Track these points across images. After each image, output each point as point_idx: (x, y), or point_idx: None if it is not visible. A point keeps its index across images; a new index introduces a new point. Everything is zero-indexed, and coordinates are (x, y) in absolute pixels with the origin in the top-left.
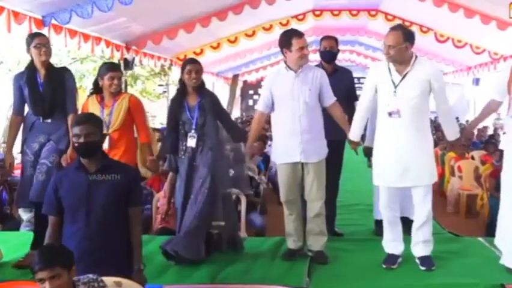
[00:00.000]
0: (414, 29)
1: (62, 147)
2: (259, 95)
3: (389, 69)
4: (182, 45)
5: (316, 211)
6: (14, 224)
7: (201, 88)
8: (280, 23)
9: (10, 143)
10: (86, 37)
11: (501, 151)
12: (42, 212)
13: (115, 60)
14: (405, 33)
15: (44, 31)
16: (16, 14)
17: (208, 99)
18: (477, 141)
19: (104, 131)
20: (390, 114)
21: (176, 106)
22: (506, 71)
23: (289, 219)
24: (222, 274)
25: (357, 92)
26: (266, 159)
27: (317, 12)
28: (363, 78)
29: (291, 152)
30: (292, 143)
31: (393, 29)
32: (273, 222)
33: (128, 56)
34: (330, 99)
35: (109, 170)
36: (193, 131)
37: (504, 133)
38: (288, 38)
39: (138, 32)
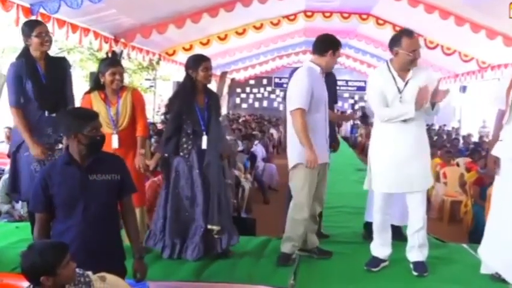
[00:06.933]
0: None
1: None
2: (246, 93)
3: (393, 75)
4: (171, 40)
5: (321, 209)
6: None
7: (207, 86)
8: (271, 23)
9: (29, 134)
10: (74, 27)
11: (486, 159)
12: (29, 210)
13: (103, 53)
14: None
15: None
16: (4, 1)
17: (214, 100)
18: (462, 148)
19: (113, 131)
20: (405, 120)
21: (185, 105)
22: (505, 79)
23: (302, 224)
24: (207, 272)
25: (345, 94)
26: (252, 157)
27: (309, 13)
28: (351, 81)
29: (325, 153)
30: (325, 144)
31: (412, 33)
32: (259, 221)
33: (116, 49)
34: None
35: (101, 164)
36: (203, 132)
37: (501, 140)
38: (335, 44)
39: (127, 24)
